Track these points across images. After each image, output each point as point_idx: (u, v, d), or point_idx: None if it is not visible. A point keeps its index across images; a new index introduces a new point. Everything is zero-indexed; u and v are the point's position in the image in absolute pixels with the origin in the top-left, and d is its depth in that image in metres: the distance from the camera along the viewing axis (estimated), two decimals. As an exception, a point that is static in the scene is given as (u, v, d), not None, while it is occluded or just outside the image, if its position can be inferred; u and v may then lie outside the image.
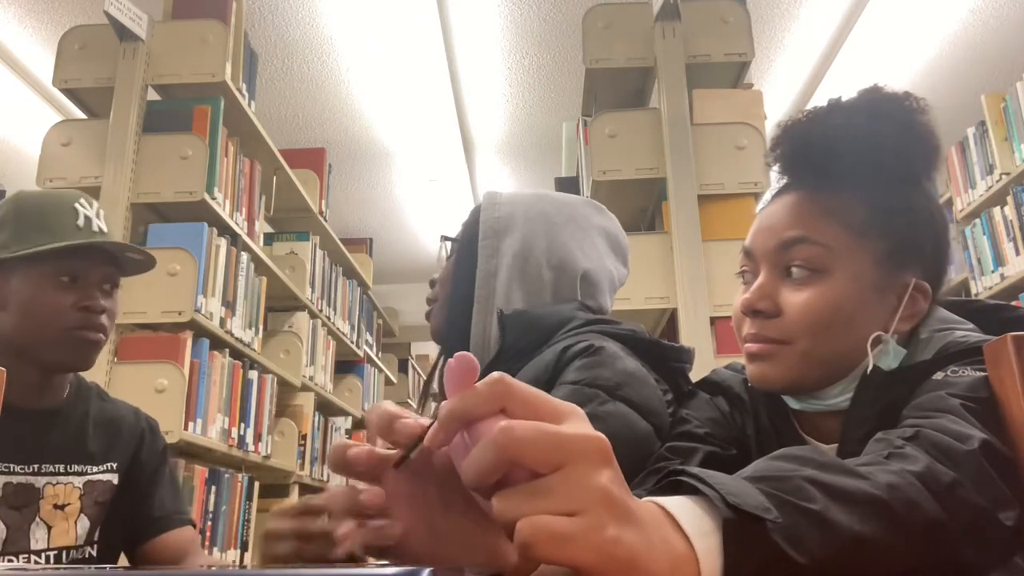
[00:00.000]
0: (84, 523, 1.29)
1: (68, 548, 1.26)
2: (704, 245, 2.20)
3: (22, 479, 1.24)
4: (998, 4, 3.26)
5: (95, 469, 1.33)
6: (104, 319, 1.28)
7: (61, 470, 1.29)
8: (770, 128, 0.89)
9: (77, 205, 1.29)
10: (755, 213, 2.34)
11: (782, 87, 3.79)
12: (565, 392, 0.92)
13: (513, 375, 0.96)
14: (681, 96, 2.35)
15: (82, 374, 1.39)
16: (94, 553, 1.31)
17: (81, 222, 1.28)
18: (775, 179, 0.89)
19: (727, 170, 2.29)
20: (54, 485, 1.27)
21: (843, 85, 3.67)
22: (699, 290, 2.16)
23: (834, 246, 0.78)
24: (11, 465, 1.23)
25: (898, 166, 0.80)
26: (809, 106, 0.85)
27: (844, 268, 0.78)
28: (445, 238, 1.17)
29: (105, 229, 1.32)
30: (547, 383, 0.94)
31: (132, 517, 1.37)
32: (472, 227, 1.12)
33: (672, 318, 2.26)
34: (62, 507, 1.26)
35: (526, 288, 1.07)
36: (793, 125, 0.83)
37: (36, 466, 1.27)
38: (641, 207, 2.60)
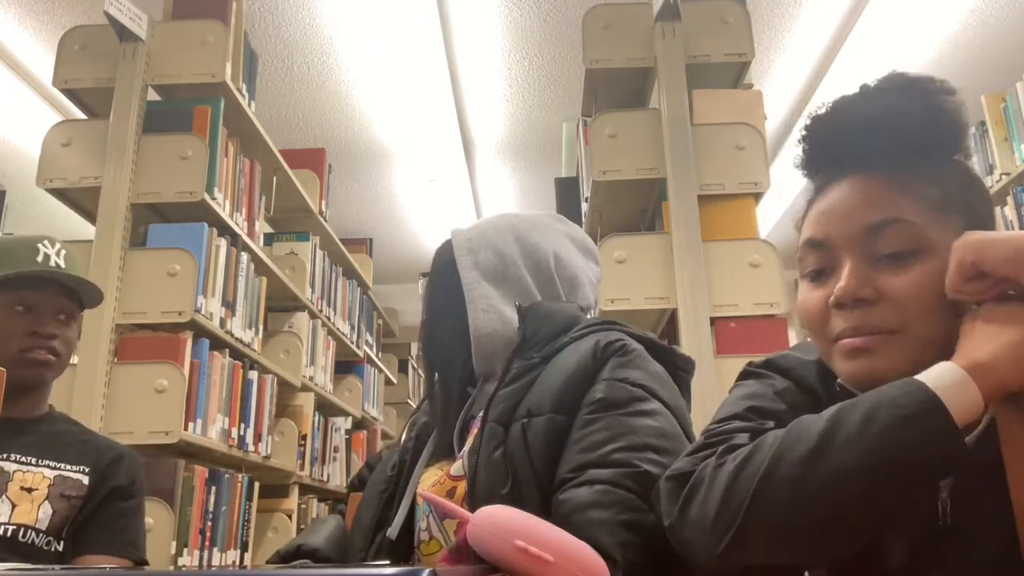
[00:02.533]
0: (47, 509, 1.36)
1: (26, 527, 1.34)
2: (704, 245, 2.20)
3: None
4: (998, 4, 3.26)
5: (67, 467, 1.43)
6: (56, 344, 1.43)
7: (33, 462, 1.40)
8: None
9: (40, 245, 1.43)
10: (754, 213, 2.35)
11: (782, 87, 3.79)
12: (606, 387, 0.94)
13: (536, 363, 0.95)
14: (681, 96, 2.35)
15: (60, 410, 1.55)
16: (59, 548, 1.37)
17: (40, 258, 1.42)
18: (829, 168, 0.83)
19: (727, 170, 2.29)
20: (24, 472, 1.38)
21: (843, 85, 3.66)
22: (699, 290, 2.16)
23: (924, 224, 0.75)
24: None
25: (954, 139, 0.78)
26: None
27: (939, 245, 0.74)
28: (423, 275, 1.20)
29: (63, 265, 1.45)
30: (592, 378, 0.96)
31: (83, 526, 1.42)
32: (445, 253, 1.14)
33: (672, 318, 2.26)
34: (29, 490, 1.37)
35: (514, 292, 1.09)
36: (836, 111, 0.80)
37: (7, 455, 1.39)
38: (641, 207, 2.60)
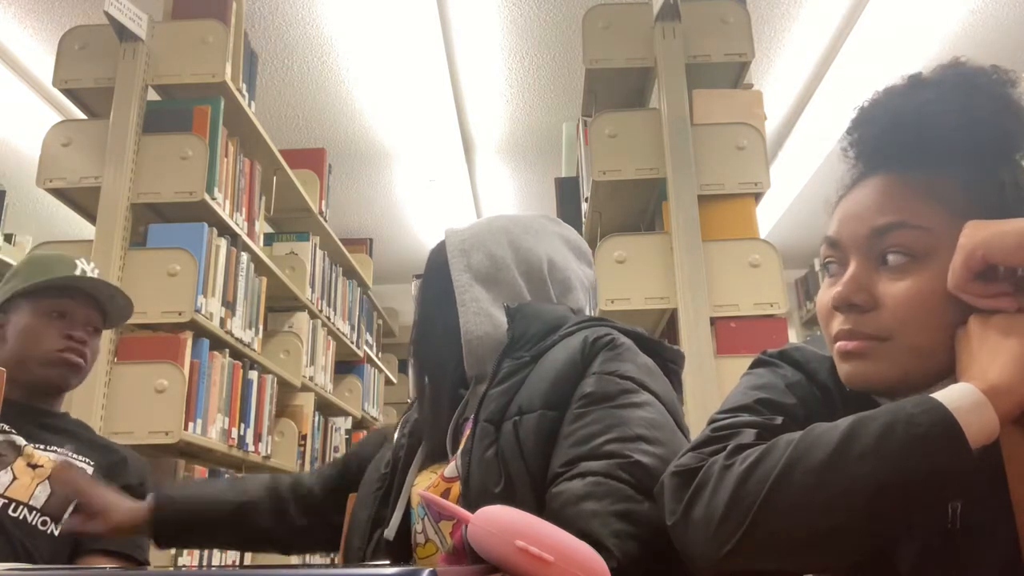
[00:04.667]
0: (44, 489, 1.39)
1: (18, 502, 1.36)
2: (704, 245, 2.20)
3: (12, 438, 1.42)
4: (998, 4, 3.26)
5: (74, 455, 1.47)
6: (87, 350, 1.52)
7: (41, 448, 1.45)
8: (850, 112, 0.82)
9: (77, 260, 1.54)
10: (754, 213, 2.36)
11: (782, 87, 3.79)
12: (596, 381, 0.94)
13: (526, 362, 0.96)
14: (681, 96, 2.35)
15: (65, 407, 1.61)
16: (55, 531, 1.38)
17: (78, 272, 1.53)
18: (858, 165, 0.80)
19: (727, 170, 2.29)
20: (35, 447, 1.43)
21: (843, 85, 3.67)
22: (699, 290, 2.16)
23: (935, 229, 0.72)
24: (4, 425, 1.43)
25: (996, 141, 0.75)
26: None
27: (948, 251, 0.71)
28: (416, 276, 1.20)
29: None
30: (581, 373, 0.96)
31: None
32: (438, 255, 1.14)
33: (672, 318, 2.26)
34: (34, 467, 1.40)
35: (505, 295, 1.09)
36: (874, 105, 0.78)
37: (23, 437, 1.43)
38: (641, 207, 2.60)
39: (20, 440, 1.42)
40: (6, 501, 1.34)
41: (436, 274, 1.12)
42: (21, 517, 1.35)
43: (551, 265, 1.11)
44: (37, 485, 1.38)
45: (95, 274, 1.56)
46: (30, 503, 1.36)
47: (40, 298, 1.50)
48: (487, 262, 1.09)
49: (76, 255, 1.56)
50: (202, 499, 1.26)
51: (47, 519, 1.37)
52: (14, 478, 1.37)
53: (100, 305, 1.57)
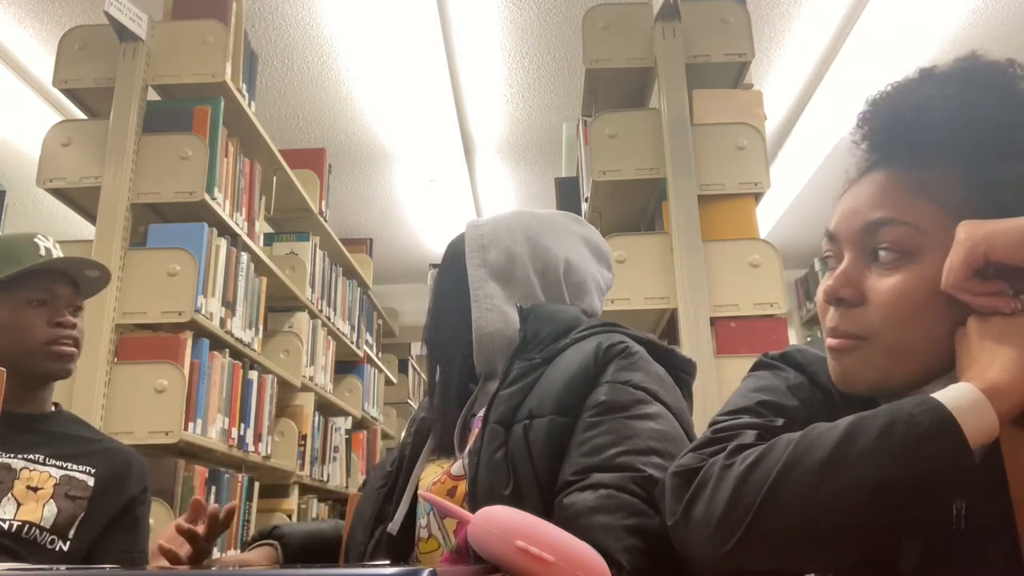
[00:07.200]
0: (51, 508, 1.37)
1: (31, 524, 1.34)
2: (704, 245, 2.20)
3: (5, 460, 1.37)
4: (998, 4, 3.26)
5: (73, 466, 1.43)
6: (76, 334, 1.47)
7: (40, 460, 1.40)
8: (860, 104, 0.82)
9: (36, 239, 1.46)
10: (754, 213, 2.36)
11: (782, 87, 3.79)
12: (609, 390, 0.94)
13: (538, 364, 0.96)
14: (681, 96, 2.35)
15: (65, 408, 1.56)
16: (64, 548, 1.37)
17: (43, 252, 1.46)
18: (862, 160, 0.81)
19: (727, 170, 2.29)
20: (31, 470, 1.39)
21: (843, 85, 3.67)
22: (699, 290, 2.16)
23: (926, 227, 0.72)
24: None
25: (998, 138, 0.72)
26: (899, 80, 0.78)
27: (939, 250, 0.70)
28: (433, 266, 1.20)
29: (63, 256, 1.49)
30: (594, 380, 0.96)
31: (98, 539, 1.42)
32: (456, 247, 1.14)
33: (672, 318, 2.26)
34: (35, 489, 1.37)
35: (519, 293, 1.09)
36: (882, 99, 0.78)
37: (14, 454, 1.39)
38: (641, 207, 2.60)
39: (15, 463, 1.38)
40: (20, 523, 1.34)
41: (453, 266, 1.13)
42: (32, 538, 1.34)
43: (568, 266, 1.11)
44: (44, 506, 1.36)
45: (58, 249, 1.49)
46: (41, 524, 1.36)
47: (15, 288, 1.41)
48: (504, 259, 1.09)
49: (34, 234, 1.48)
50: (313, 532, 1.24)
51: (55, 537, 1.37)
52: (19, 504, 1.35)
53: (73, 281, 1.50)
